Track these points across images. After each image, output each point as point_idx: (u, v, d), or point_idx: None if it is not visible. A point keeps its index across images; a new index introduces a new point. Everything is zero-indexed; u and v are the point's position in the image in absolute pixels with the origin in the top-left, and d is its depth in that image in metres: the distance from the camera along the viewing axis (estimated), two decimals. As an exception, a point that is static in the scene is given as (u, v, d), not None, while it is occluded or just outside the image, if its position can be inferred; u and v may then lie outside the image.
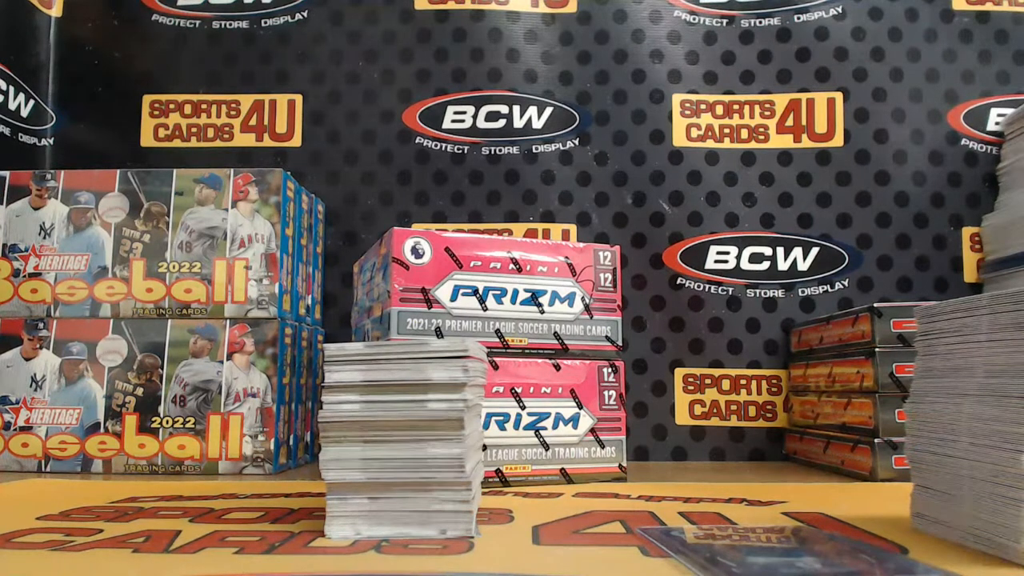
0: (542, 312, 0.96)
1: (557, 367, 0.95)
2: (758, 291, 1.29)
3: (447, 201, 1.33)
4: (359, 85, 1.36)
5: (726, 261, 1.30)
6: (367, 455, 0.59)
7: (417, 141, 1.34)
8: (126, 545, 0.56)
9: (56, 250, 1.09)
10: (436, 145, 1.34)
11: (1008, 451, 0.51)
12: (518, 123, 1.33)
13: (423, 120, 1.34)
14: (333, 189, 1.33)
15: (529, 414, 0.93)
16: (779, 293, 1.29)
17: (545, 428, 0.94)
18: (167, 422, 1.04)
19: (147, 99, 1.36)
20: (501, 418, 0.92)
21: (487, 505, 0.76)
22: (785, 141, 1.33)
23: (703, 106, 1.33)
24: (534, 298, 0.95)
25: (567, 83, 1.34)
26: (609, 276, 1.01)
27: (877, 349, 0.99)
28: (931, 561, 0.51)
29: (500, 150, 1.33)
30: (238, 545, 0.56)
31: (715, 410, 1.28)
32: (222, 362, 1.05)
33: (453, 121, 1.34)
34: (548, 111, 1.34)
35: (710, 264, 1.30)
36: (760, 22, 1.34)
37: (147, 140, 1.36)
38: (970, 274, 1.29)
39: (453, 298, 0.91)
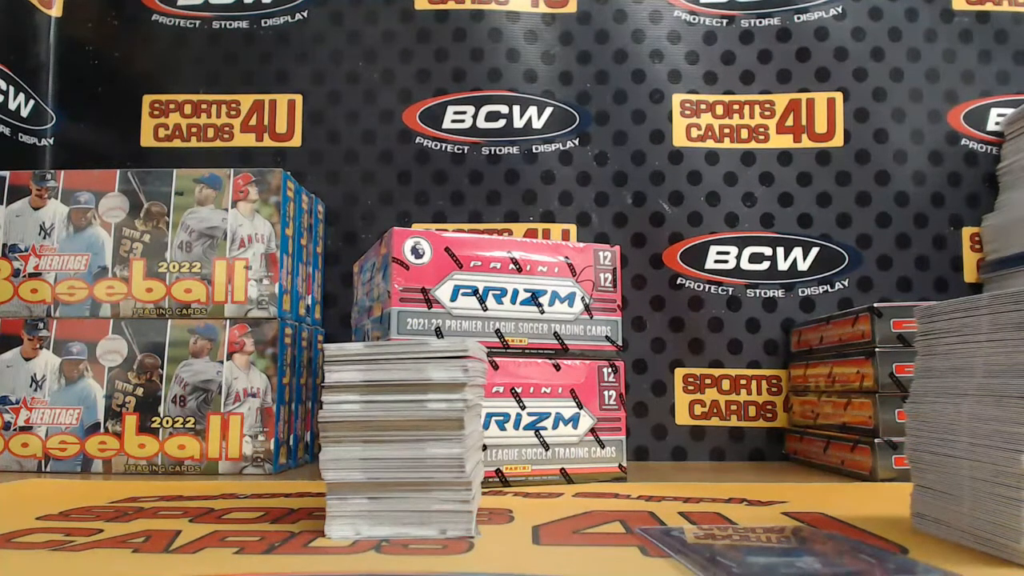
0: (542, 312, 0.96)
1: (557, 367, 0.95)
2: (758, 291, 1.29)
3: (447, 201, 1.33)
4: (359, 85, 1.36)
5: (726, 261, 1.30)
6: (367, 455, 0.59)
7: (417, 141, 1.34)
8: (126, 545, 0.56)
9: (56, 250, 1.09)
10: (436, 145, 1.34)
11: (1008, 451, 0.51)
12: (518, 123, 1.33)
13: (423, 120, 1.34)
14: (333, 189, 1.33)
15: (529, 414, 0.93)
16: (779, 293, 1.29)
17: (545, 428, 0.94)
18: (167, 422, 1.04)
19: (147, 99, 1.36)
20: (501, 418, 0.92)
21: (487, 505, 0.76)
22: (785, 141, 1.33)
23: (703, 106, 1.33)
24: (534, 298, 0.95)
25: (567, 83, 1.34)
26: (609, 276, 1.01)
27: (877, 349, 0.99)
28: (931, 561, 0.51)
29: (500, 150, 1.33)
30: (238, 545, 0.56)
31: (715, 410, 1.28)
32: (222, 362, 1.05)
33: (453, 121, 1.34)
34: (548, 111, 1.34)
35: (710, 264, 1.30)
36: (760, 22, 1.34)
37: (147, 140, 1.36)
38: (970, 274, 1.29)
39: (453, 298, 0.91)
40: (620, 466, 0.98)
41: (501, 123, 1.34)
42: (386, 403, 0.59)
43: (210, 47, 1.37)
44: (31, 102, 1.32)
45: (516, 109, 1.34)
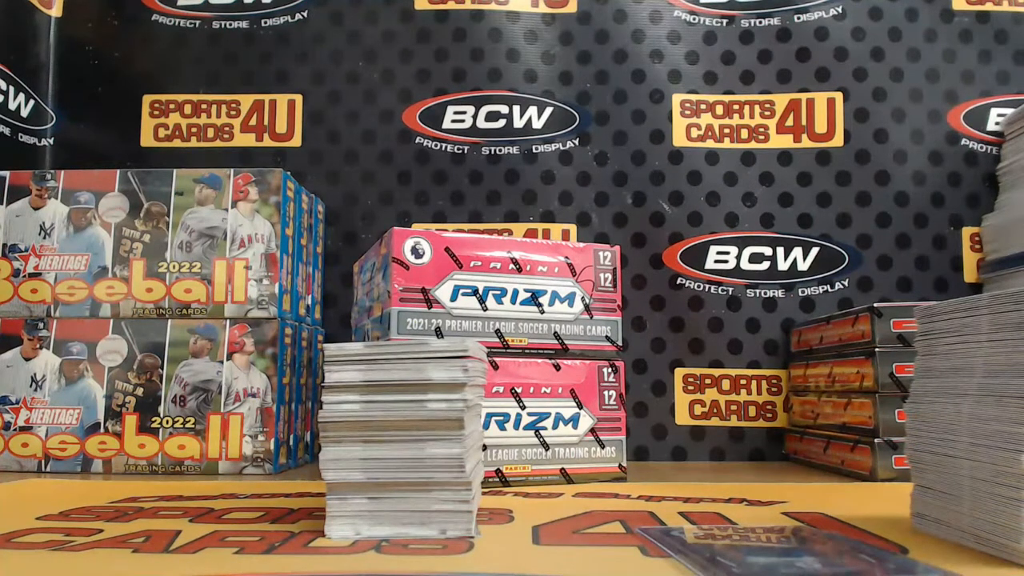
0: (542, 312, 0.96)
1: (557, 367, 0.95)
2: (758, 291, 1.29)
3: (447, 201, 1.33)
4: (359, 85, 1.36)
5: (726, 261, 1.30)
6: (367, 455, 0.59)
7: (417, 141, 1.34)
8: (126, 545, 0.56)
9: (56, 250, 1.09)
10: (436, 145, 1.34)
11: (1008, 451, 0.51)
12: (518, 123, 1.33)
13: (423, 120, 1.34)
14: (333, 189, 1.33)
15: (529, 414, 0.93)
16: (779, 293, 1.29)
17: (545, 428, 0.94)
18: (167, 422, 1.04)
19: (147, 99, 1.36)
20: (501, 418, 0.92)
21: (487, 505, 0.76)
22: (785, 141, 1.33)
23: (703, 106, 1.33)
24: (534, 298, 0.95)
25: (567, 83, 1.34)
26: (609, 276, 1.01)
27: (877, 349, 0.99)
28: (931, 561, 0.51)
29: (500, 150, 1.33)
30: (238, 545, 0.56)
31: (715, 410, 1.28)
32: (222, 362, 1.05)
33: (453, 121, 1.34)
34: (548, 111, 1.34)
35: (710, 264, 1.30)
36: (760, 22, 1.34)
37: (147, 140, 1.36)
38: (970, 274, 1.29)
39: (453, 298, 0.91)
40: (620, 466, 0.98)
41: (501, 123, 1.34)
42: (386, 403, 0.59)
43: (210, 47, 1.37)
44: (31, 102, 1.32)
45: (516, 109, 1.34)
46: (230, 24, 1.37)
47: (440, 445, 0.59)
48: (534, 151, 1.33)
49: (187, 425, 1.04)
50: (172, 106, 1.36)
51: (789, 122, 1.33)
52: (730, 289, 1.29)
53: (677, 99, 1.33)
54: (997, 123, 1.31)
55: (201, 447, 1.04)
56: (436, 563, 0.51)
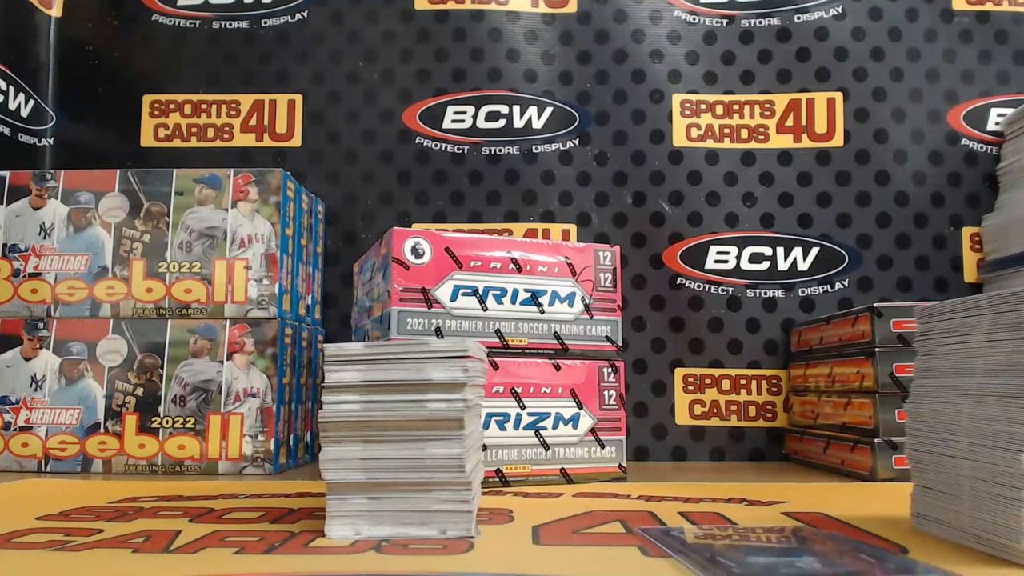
0: (542, 312, 0.96)
1: (557, 367, 0.95)
2: (758, 291, 1.29)
3: (447, 201, 1.33)
4: (359, 85, 1.36)
5: (726, 261, 1.30)
6: (367, 455, 0.59)
7: (417, 141, 1.34)
8: (126, 545, 0.56)
9: (56, 250, 1.09)
10: (436, 145, 1.34)
11: (1008, 451, 0.51)
12: (518, 123, 1.33)
13: (423, 120, 1.34)
14: (333, 189, 1.33)
15: (529, 414, 0.93)
16: (779, 293, 1.29)
17: (545, 428, 0.94)
18: (167, 422, 1.04)
19: (147, 99, 1.36)
20: (501, 418, 0.92)
21: (487, 505, 0.76)
22: (785, 141, 1.33)
23: (703, 106, 1.33)
24: (534, 298, 0.95)
25: (567, 83, 1.34)
26: (609, 276, 1.01)
27: (877, 349, 0.99)
28: (931, 561, 0.51)
29: (500, 150, 1.33)
30: (238, 545, 0.56)
31: (715, 410, 1.28)
32: (222, 362, 1.05)
33: (453, 121, 1.34)
34: (548, 111, 1.34)
35: (710, 264, 1.30)
36: (760, 22, 1.34)
37: (147, 140, 1.36)
38: (970, 274, 1.29)
39: (453, 298, 0.91)
40: (620, 466, 0.98)
41: (501, 123, 1.34)
42: (386, 403, 0.59)
43: (210, 47, 1.37)
44: (31, 102, 1.32)
45: (516, 109, 1.34)
46: (230, 24, 1.37)
47: (440, 445, 0.59)
48: (534, 151, 1.33)
49: (187, 425, 1.04)
50: (172, 106, 1.36)
51: (789, 122, 1.33)
52: (730, 289, 1.29)
53: (677, 99, 1.33)
54: (997, 123, 1.31)
55: (201, 447, 1.04)
56: (436, 563, 0.51)
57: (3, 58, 1.26)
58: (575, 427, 0.96)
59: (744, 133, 1.33)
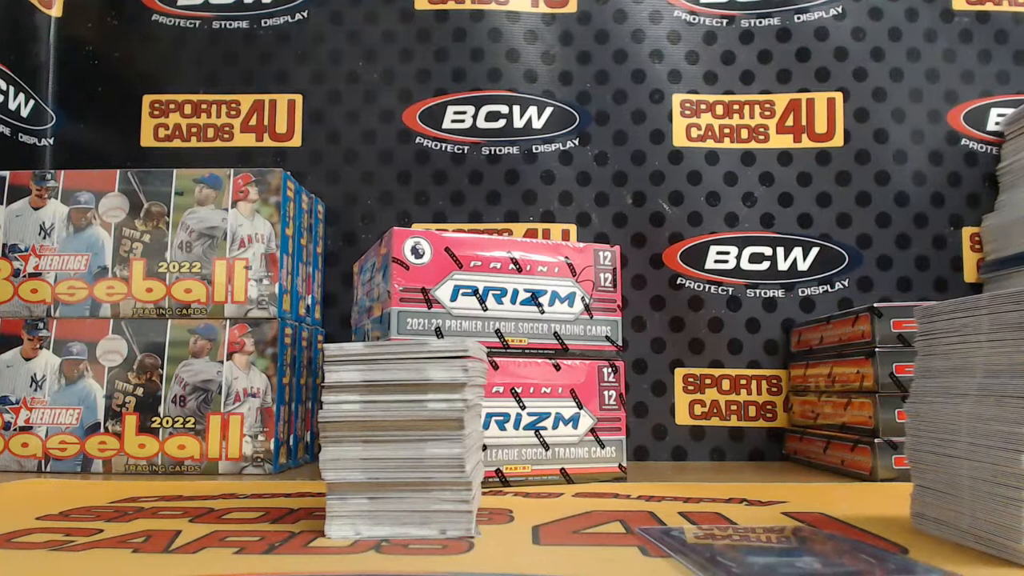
0: (542, 312, 0.96)
1: (557, 367, 0.95)
2: (758, 291, 1.29)
3: (447, 201, 1.33)
4: (359, 85, 1.36)
5: (726, 261, 1.30)
6: (367, 455, 0.59)
7: (417, 141, 1.34)
8: (126, 545, 0.56)
9: (56, 250, 1.09)
10: (436, 145, 1.34)
11: (1008, 451, 0.51)
12: (518, 123, 1.33)
13: (423, 120, 1.34)
14: (333, 189, 1.33)
15: (529, 414, 0.93)
16: (779, 293, 1.29)
17: (545, 428, 0.94)
18: (167, 422, 1.04)
19: (147, 99, 1.36)
20: (501, 418, 0.92)
21: (487, 505, 0.76)
22: (785, 141, 1.33)
23: (703, 106, 1.33)
24: (534, 298, 0.95)
25: (567, 83, 1.34)
26: (609, 276, 1.01)
27: (877, 349, 0.99)
28: (931, 561, 0.51)
29: (500, 150, 1.33)
30: (238, 545, 0.56)
31: (715, 410, 1.28)
32: (222, 362, 1.05)
33: (453, 121, 1.34)
34: (548, 111, 1.34)
35: (710, 264, 1.30)
36: (760, 22, 1.34)
37: (147, 140, 1.36)
38: (970, 274, 1.29)
39: (453, 298, 0.91)
40: (620, 466, 0.98)
41: (501, 123, 1.34)
42: (386, 403, 0.59)
43: (210, 47, 1.37)
44: (31, 102, 1.32)
45: (516, 109, 1.34)
46: (230, 24, 1.37)
47: (440, 445, 0.59)
48: (534, 151, 1.33)
49: (187, 425, 1.04)
50: (172, 106, 1.36)
51: (789, 122, 1.33)
52: (730, 289, 1.29)
53: (677, 99, 1.33)
54: (997, 123, 1.31)
55: (201, 447, 1.04)
56: (436, 563, 0.51)
57: (3, 58, 1.26)
58: (575, 427, 0.96)
59: (744, 133, 1.33)
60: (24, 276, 1.09)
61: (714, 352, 1.28)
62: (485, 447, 0.90)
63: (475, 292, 0.92)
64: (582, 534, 0.62)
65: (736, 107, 1.33)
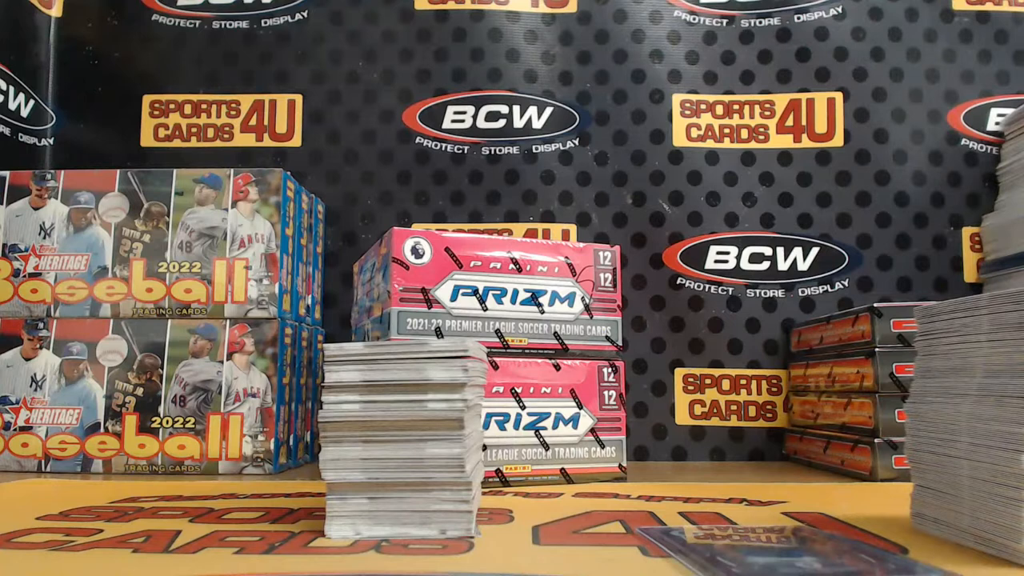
0: (542, 312, 0.96)
1: (557, 367, 0.95)
2: (758, 291, 1.29)
3: (447, 201, 1.33)
4: (359, 85, 1.36)
5: (726, 261, 1.30)
6: (367, 455, 0.59)
7: (417, 141, 1.34)
8: (126, 545, 0.56)
9: (56, 250, 1.09)
10: (436, 145, 1.34)
11: (1008, 451, 0.51)
12: (518, 123, 1.33)
13: (423, 120, 1.34)
14: (333, 189, 1.33)
15: (529, 414, 0.93)
16: (779, 293, 1.29)
17: (545, 428, 0.94)
18: (167, 422, 1.04)
19: (147, 99, 1.36)
20: (501, 418, 0.92)
21: (487, 505, 0.76)
22: (785, 141, 1.33)
23: (703, 106, 1.33)
24: (534, 298, 0.95)
25: (567, 83, 1.34)
26: (609, 276, 1.01)
27: (877, 349, 0.99)
28: (931, 561, 0.51)
29: (500, 150, 1.33)
30: (238, 545, 0.56)
31: (715, 410, 1.28)
32: (222, 362, 1.05)
33: (453, 121, 1.34)
34: (548, 111, 1.34)
35: (710, 264, 1.30)
36: (760, 22, 1.34)
37: (147, 140, 1.36)
38: (970, 274, 1.29)
39: (453, 298, 0.91)
40: (620, 466, 0.98)
41: (501, 123, 1.34)
42: (386, 403, 0.59)
43: (210, 47, 1.37)
44: (31, 102, 1.32)
45: (516, 109, 1.34)
46: (230, 24, 1.37)
47: (440, 445, 0.59)
48: (534, 151, 1.33)
49: (187, 425, 1.04)
50: (172, 106, 1.36)
51: (789, 122, 1.33)
52: (730, 289, 1.29)
53: (677, 99, 1.33)
54: (997, 123, 1.31)
55: (201, 447, 1.04)
56: (436, 563, 0.51)
57: (3, 58, 1.26)
58: (575, 427, 0.96)
59: (744, 133, 1.33)
60: (24, 276, 1.09)
61: (714, 352, 1.28)
62: (485, 447, 0.90)
63: (475, 292, 0.92)
64: (582, 534, 0.62)
65: (736, 107, 1.33)
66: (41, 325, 1.07)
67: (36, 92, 1.33)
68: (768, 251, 1.30)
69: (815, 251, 1.30)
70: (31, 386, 1.06)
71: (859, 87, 1.32)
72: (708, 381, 1.28)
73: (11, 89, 1.28)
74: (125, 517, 0.68)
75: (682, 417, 1.28)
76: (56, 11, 1.37)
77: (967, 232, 1.30)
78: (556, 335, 0.96)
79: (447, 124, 1.34)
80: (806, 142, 1.32)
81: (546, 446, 0.94)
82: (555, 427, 0.94)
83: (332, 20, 1.37)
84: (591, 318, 0.99)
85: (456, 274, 0.92)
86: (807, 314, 1.28)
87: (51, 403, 1.05)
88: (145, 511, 0.71)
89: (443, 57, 1.35)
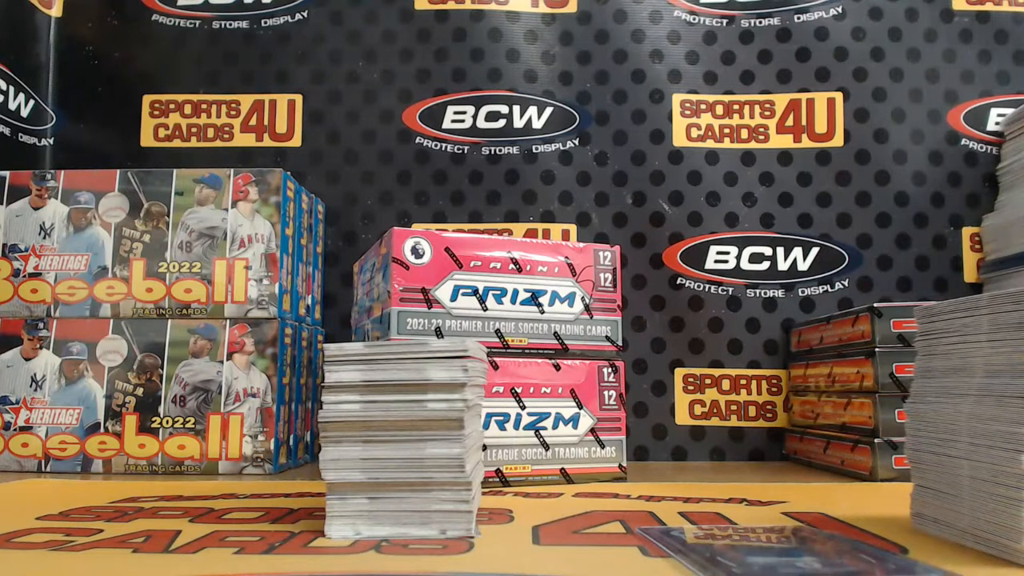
0: (542, 312, 0.96)
1: (557, 367, 0.95)
2: (758, 291, 1.29)
3: (447, 201, 1.33)
4: (359, 85, 1.36)
5: (726, 261, 1.30)
6: (367, 455, 0.59)
7: (417, 141, 1.34)
8: (126, 545, 0.56)
9: (56, 250, 1.09)
10: (436, 145, 1.34)
11: (1008, 451, 0.51)
12: (518, 123, 1.33)
13: (423, 120, 1.34)
14: (333, 189, 1.33)
15: (529, 414, 0.93)
16: (779, 293, 1.29)
17: (545, 428, 0.94)
18: (167, 422, 1.04)
19: (147, 99, 1.36)
20: (501, 418, 0.92)
21: (487, 505, 0.76)
22: (785, 141, 1.33)
23: (703, 106, 1.33)
24: (534, 298, 0.95)
25: (567, 83, 1.34)
26: (609, 276, 1.01)
27: (877, 349, 0.99)
28: (931, 561, 0.51)
29: (500, 150, 1.33)
30: (238, 545, 0.56)
31: (715, 410, 1.28)
32: (222, 362, 1.05)
33: (453, 121, 1.34)
34: (548, 111, 1.34)
35: (710, 264, 1.30)
36: (760, 22, 1.34)
37: (147, 140, 1.36)
38: (970, 274, 1.29)
39: (453, 298, 0.91)
40: (620, 466, 0.98)
41: (501, 123, 1.34)
42: (386, 403, 0.59)
43: (210, 47, 1.37)
44: (31, 102, 1.32)
45: (516, 109, 1.34)
46: (230, 24, 1.37)
47: (440, 445, 0.59)
48: (534, 151, 1.33)
49: (187, 425, 1.04)
50: (172, 106, 1.36)
51: (789, 122, 1.33)
52: (730, 289, 1.29)
53: (677, 99, 1.33)
54: (997, 123, 1.31)
55: (201, 447, 1.04)
56: (436, 563, 0.51)
57: (3, 58, 1.26)
58: (575, 427, 0.96)
59: (744, 133, 1.33)
60: (24, 276, 1.09)
61: (714, 352, 1.28)
62: (485, 447, 0.90)
63: (475, 292, 0.92)
64: (582, 534, 0.62)
65: (736, 107, 1.33)
66: (41, 325, 1.07)
67: (36, 92, 1.33)
68: (768, 251, 1.30)
69: (815, 251, 1.30)
70: (31, 386, 1.06)
71: (859, 87, 1.32)
72: (708, 381, 1.28)
73: (11, 89, 1.28)
74: (125, 517, 0.68)
75: (682, 417, 1.28)
76: (56, 11, 1.37)
77: (967, 232, 1.30)
78: (556, 335, 0.96)
79: (447, 124, 1.34)
80: (806, 142, 1.32)
81: (546, 446, 0.94)
82: (555, 427, 0.94)
83: (332, 20, 1.37)
84: (591, 318, 0.99)
85: (456, 274, 0.92)
86: (807, 314, 1.28)
87: (51, 403, 1.05)
88: (145, 511, 0.71)
89: (443, 57, 1.35)
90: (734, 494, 0.83)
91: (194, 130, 1.36)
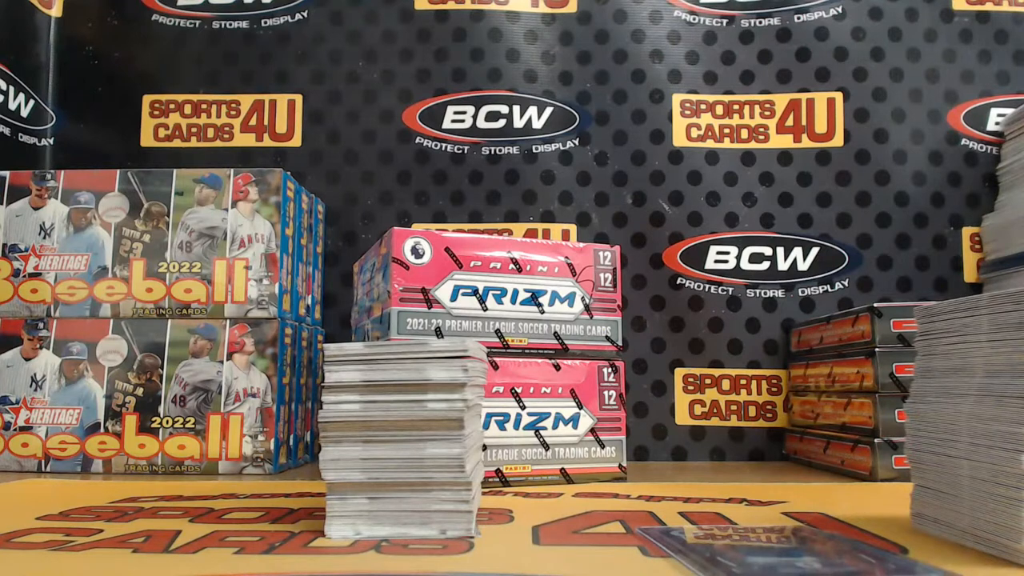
0: (542, 312, 0.96)
1: (557, 367, 0.95)
2: (758, 291, 1.29)
3: (447, 201, 1.33)
4: (359, 85, 1.36)
5: (726, 261, 1.30)
6: (367, 455, 0.59)
7: (417, 141, 1.34)
8: (126, 545, 0.56)
9: (56, 250, 1.09)
10: (436, 145, 1.34)
11: (1008, 451, 0.51)
12: (518, 123, 1.33)
13: (423, 120, 1.34)
14: (333, 189, 1.33)
15: (529, 414, 0.93)
16: (779, 293, 1.29)
17: (545, 428, 0.94)
18: (167, 422, 1.04)
19: (147, 99, 1.36)
20: (501, 418, 0.92)
21: (487, 505, 0.76)
22: (785, 141, 1.33)
23: (703, 106, 1.33)
24: (534, 298, 0.95)
25: (567, 83, 1.34)
26: (609, 276, 1.01)
27: (877, 349, 0.99)
28: (931, 561, 0.51)
29: (500, 150, 1.33)
30: (238, 545, 0.56)
31: (715, 410, 1.28)
32: (222, 362, 1.05)
33: (453, 121, 1.34)
34: (548, 111, 1.34)
35: (710, 264, 1.30)
36: (760, 22, 1.34)
37: (147, 140, 1.36)
38: (970, 274, 1.29)
39: (453, 298, 0.91)
40: (620, 466, 0.98)
41: (501, 123, 1.34)
42: (386, 403, 0.59)
43: (210, 47, 1.37)
44: (31, 102, 1.32)
45: (516, 109, 1.34)
46: (230, 24, 1.37)
47: (440, 445, 0.59)
48: (534, 151, 1.33)
49: (187, 425, 1.04)
50: (172, 106, 1.36)
51: (789, 122, 1.33)
52: (730, 289, 1.29)
53: (677, 99, 1.33)
54: (997, 123, 1.31)
55: (201, 447, 1.04)
56: (436, 563, 0.51)
57: (3, 58, 1.26)
58: (575, 427, 0.96)
59: (744, 133, 1.33)
60: (24, 276, 1.09)
61: (714, 352, 1.28)
62: (485, 447, 0.90)
63: (475, 292, 0.92)
64: (582, 534, 0.62)
65: (736, 107, 1.33)
66: (41, 325, 1.07)
67: (36, 92, 1.33)
68: (768, 251, 1.30)
69: (815, 251, 1.30)
70: (31, 386, 1.06)
71: (859, 87, 1.32)
72: (708, 381, 1.28)
73: (11, 89, 1.28)
74: (125, 517, 0.68)
75: (682, 417, 1.28)
76: (56, 11, 1.37)
77: (967, 232, 1.30)
78: (556, 335, 0.96)
79: (447, 124, 1.34)
80: (806, 142, 1.32)
81: (546, 446, 0.94)
82: (555, 427, 0.94)
83: (332, 20, 1.37)
84: (591, 318, 0.99)
85: (456, 274, 0.92)
86: (807, 314, 1.28)
87: (51, 403, 1.05)
88: (145, 511, 0.71)
89: (443, 57, 1.35)
90: (734, 494, 0.83)
91: (194, 130, 1.36)
